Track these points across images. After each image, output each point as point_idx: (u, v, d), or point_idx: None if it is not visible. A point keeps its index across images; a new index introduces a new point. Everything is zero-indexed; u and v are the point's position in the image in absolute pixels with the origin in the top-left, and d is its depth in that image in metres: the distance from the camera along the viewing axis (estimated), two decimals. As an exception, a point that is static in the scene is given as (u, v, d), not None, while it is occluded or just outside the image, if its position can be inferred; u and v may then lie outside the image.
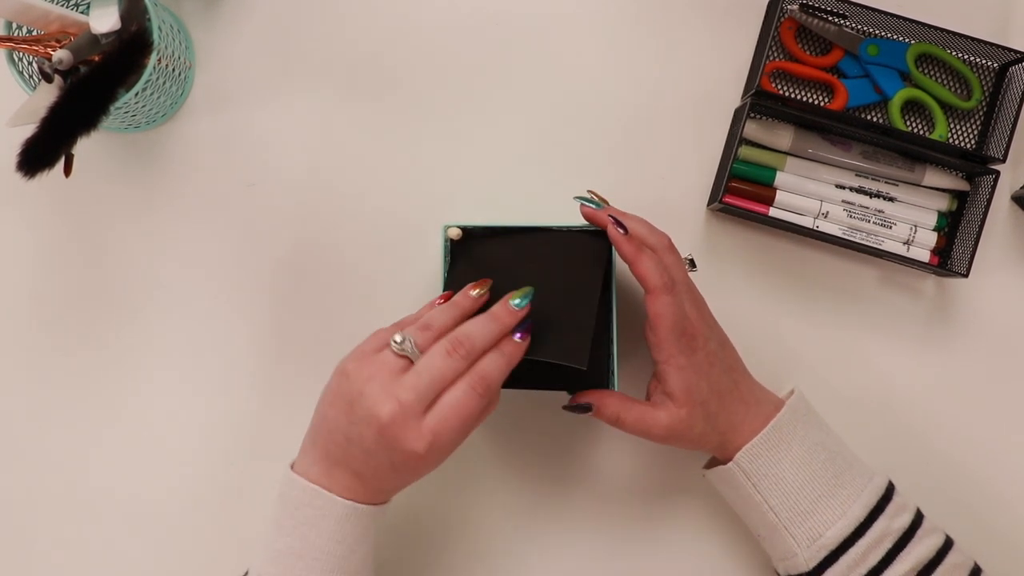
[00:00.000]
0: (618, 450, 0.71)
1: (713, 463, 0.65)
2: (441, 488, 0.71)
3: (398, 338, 0.55)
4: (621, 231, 0.60)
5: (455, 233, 0.66)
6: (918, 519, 0.61)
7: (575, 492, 0.71)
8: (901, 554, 0.60)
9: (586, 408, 0.61)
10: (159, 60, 0.65)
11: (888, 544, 0.60)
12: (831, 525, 0.60)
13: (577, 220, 0.64)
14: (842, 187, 0.71)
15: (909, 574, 0.59)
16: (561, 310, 0.61)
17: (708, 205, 0.72)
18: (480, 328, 0.56)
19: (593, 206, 0.63)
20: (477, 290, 0.59)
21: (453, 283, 0.63)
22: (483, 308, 0.59)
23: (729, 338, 0.64)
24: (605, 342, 0.65)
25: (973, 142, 0.73)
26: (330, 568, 0.57)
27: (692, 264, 0.64)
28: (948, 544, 0.61)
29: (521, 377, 0.60)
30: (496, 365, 0.56)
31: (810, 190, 0.71)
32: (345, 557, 0.57)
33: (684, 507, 0.71)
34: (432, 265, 0.72)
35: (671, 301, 0.59)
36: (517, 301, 0.58)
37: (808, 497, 0.60)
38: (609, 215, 0.61)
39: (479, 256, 0.64)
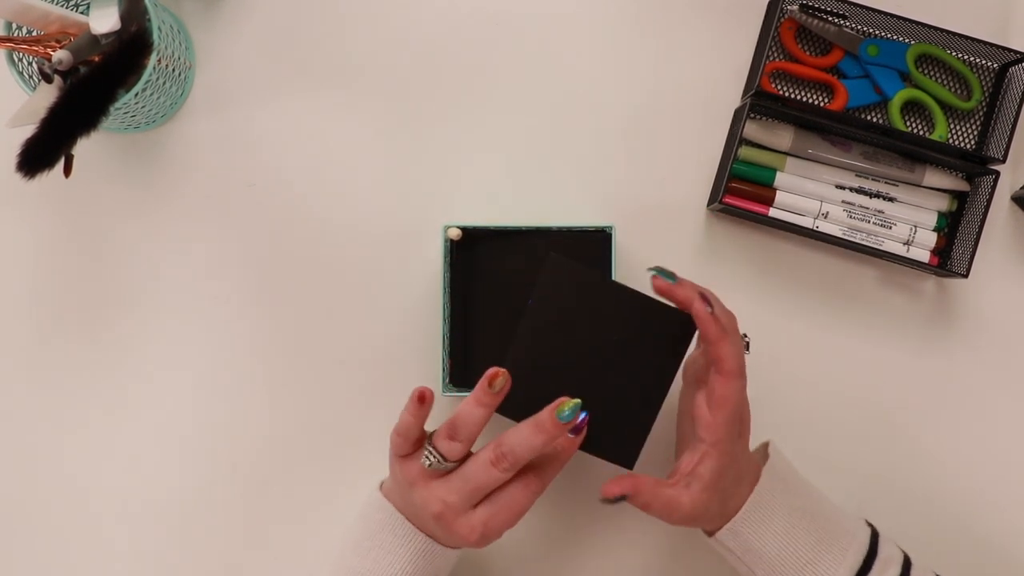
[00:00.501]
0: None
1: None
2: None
3: (425, 462, 0.57)
4: (709, 309, 0.58)
5: (455, 234, 0.65)
6: (906, 570, 0.61)
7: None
8: None
9: (622, 499, 0.59)
10: (159, 60, 0.65)
11: None
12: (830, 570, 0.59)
13: (580, 220, 0.64)
14: (842, 187, 0.71)
15: None
16: (623, 396, 0.60)
17: (708, 205, 0.72)
18: (524, 441, 0.56)
19: (667, 279, 0.59)
20: (499, 380, 0.57)
21: (531, 320, 0.60)
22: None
23: None
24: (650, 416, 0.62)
25: (973, 142, 0.73)
26: None
27: (747, 346, 0.61)
28: None
29: None
30: (552, 468, 0.59)
31: (810, 190, 0.71)
32: None
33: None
34: (432, 266, 0.72)
35: (742, 387, 0.59)
36: (566, 414, 0.57)
37: (794, 566, 0.60)
38: (698, 292, 0.58)
39: (563, 295, 0.60)
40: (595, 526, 0.72)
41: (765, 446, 0.65)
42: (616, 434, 0.60)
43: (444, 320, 0.67)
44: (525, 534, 0.71)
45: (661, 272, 0.60)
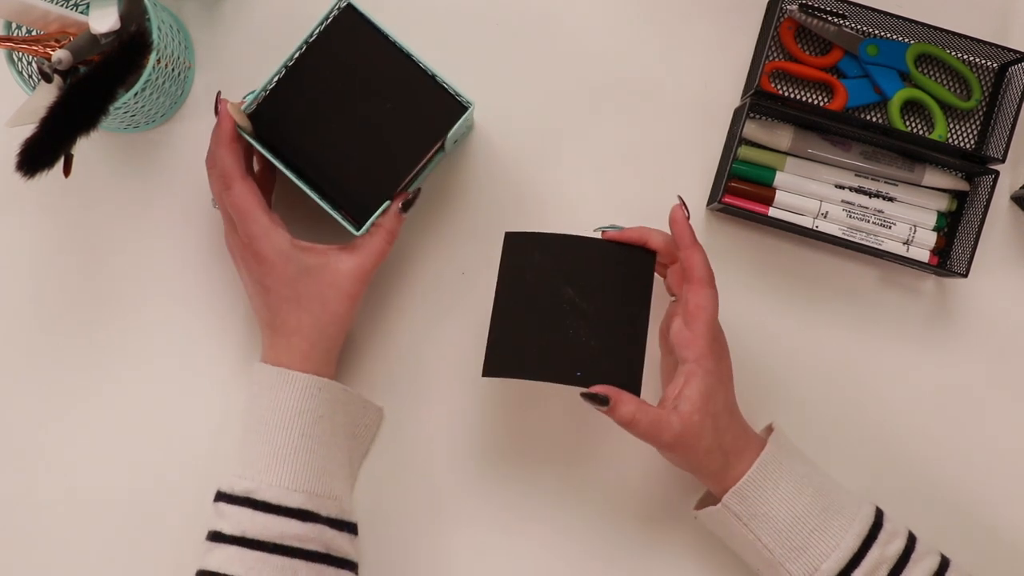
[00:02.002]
0: (619, 461, 0.71)
1: (702, 503, 0.65)
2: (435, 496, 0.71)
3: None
4: (686, 214, 0.62)
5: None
6: (911, 543, 0.61)
7: (573, 500, 0.71)
8: None
9: (603, 401, 0.59)
10: (159, 60, 0.65)
11: (884, 571, 0.60)
12: (826, 558, 0.59)
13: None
14: (842, 187, 0.71)
15: None
16: (611, 334, 0.63)
17: (708, 205, 0.72)
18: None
19: (615, 230, 0.64)
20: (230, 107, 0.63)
21: (504, 289, 0.65)
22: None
23: None
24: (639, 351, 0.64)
25: (973, 142, 0.73)
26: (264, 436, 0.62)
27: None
28: (945, 564, 0.61)
29: (547, 366, 0.63)
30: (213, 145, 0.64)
31: (810, 190, 0.71)
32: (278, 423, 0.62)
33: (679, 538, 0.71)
34: (427, 255, 0.72)
35: (714, 295, 0.60)
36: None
37: (801, 532, 0.60)
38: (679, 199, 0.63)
39: (528, 263, 0.65)
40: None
41: (768, 427, 0.65)
42: (615, 365, 0.62)
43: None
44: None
45: (609, 228, 0.64)
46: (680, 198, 0.63)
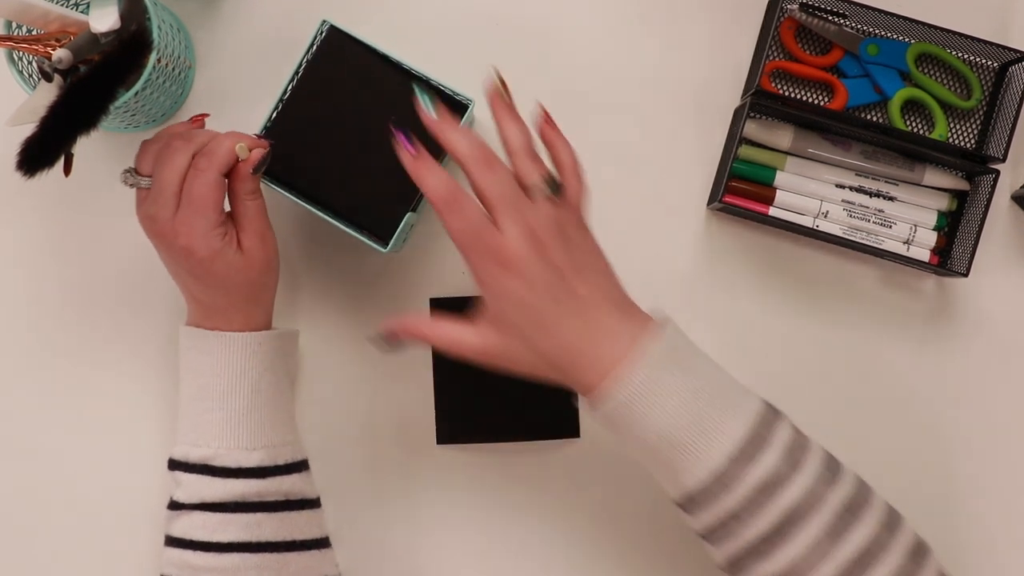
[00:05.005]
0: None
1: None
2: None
3: (123, 179, 0.63)
4: (412, 151, 0.57)
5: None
6: (792, 456, 0.55)
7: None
8: (766, 501, 0.54)
9: (398, 344, 0.59)
10: (159, 60, 0.65)
11: (752, 493, 0.54)
12: (691, 474, 0.55)
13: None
14: (842, 187, 0.71)
15: (773, 523, 0.54)
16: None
17: (708, 205, 0.72)
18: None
19: (426, 107, 0.58)
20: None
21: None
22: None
23: (599, 263, 0.58)
24: None
25: (973, 142, 0.73)
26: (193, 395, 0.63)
27: (554, 188, 0.57)
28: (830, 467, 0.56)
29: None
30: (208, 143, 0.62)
31: (810, 190, 0.71)
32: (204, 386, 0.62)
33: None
34: (427, 254, 0.72)
35: (453, 222, 0.56)
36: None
37: (668, 448, 0.55)
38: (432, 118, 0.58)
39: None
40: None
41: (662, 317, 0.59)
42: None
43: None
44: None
45: (423, 99, 0.58)
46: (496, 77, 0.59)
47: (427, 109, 0.58)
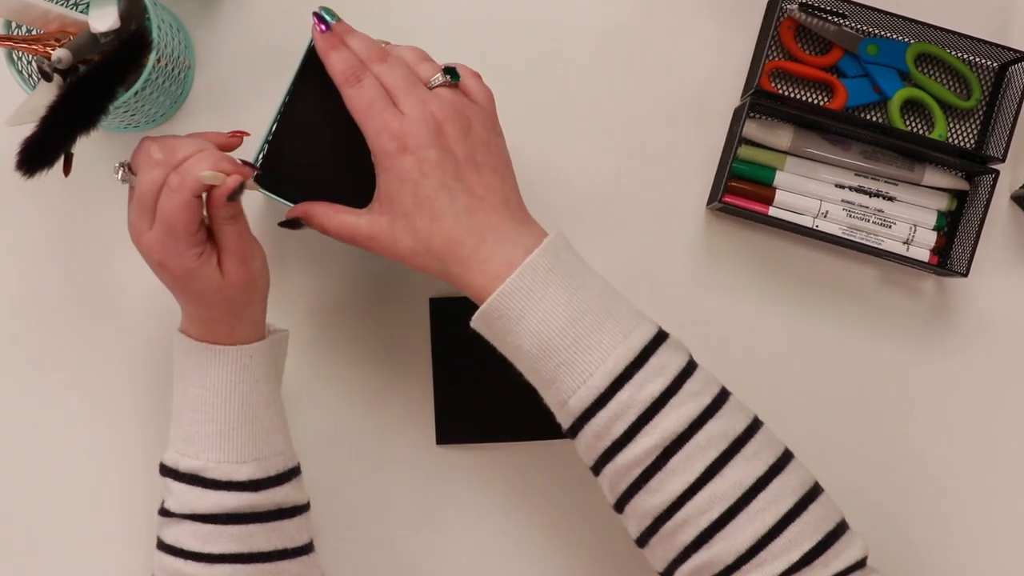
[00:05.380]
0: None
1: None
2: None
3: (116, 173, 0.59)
4: (323, 28, 0.59)
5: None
6: (678, 382, 0.54)
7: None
8: (646, 427, 0.53)
9: (296, 224, 0.61)
10: (158, 60, 0.65)
11: (632, 416, 0.53)
12: (572, 393, 0.54)
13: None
14: (841, 186, 0.71)
15: (652, 451, 0.53)
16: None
17: (708, 205, 0.72)
18: (182, 145, 0.58)
19: (327, 18, 0.60)
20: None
21: (439, 356, 0.68)
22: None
23: (502, 166, 0.59)
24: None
25: (972, 142, 0.73)
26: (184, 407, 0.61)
27: (452, 74, 0.59)
28: (713, 407, 0.54)
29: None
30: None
31: (810, 189, 0.71)
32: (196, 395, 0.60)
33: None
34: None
35: (352, 95, 0.57)
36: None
37: (547, 365, 0.55)
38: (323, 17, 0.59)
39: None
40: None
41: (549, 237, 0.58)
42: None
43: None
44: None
45: (324, 15, 0.59)
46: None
47: (328, 18, 0.60)
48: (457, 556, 0.71)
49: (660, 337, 0.56)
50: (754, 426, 0.56)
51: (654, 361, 0.54)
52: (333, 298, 0.72)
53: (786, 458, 0.56)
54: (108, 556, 0.71)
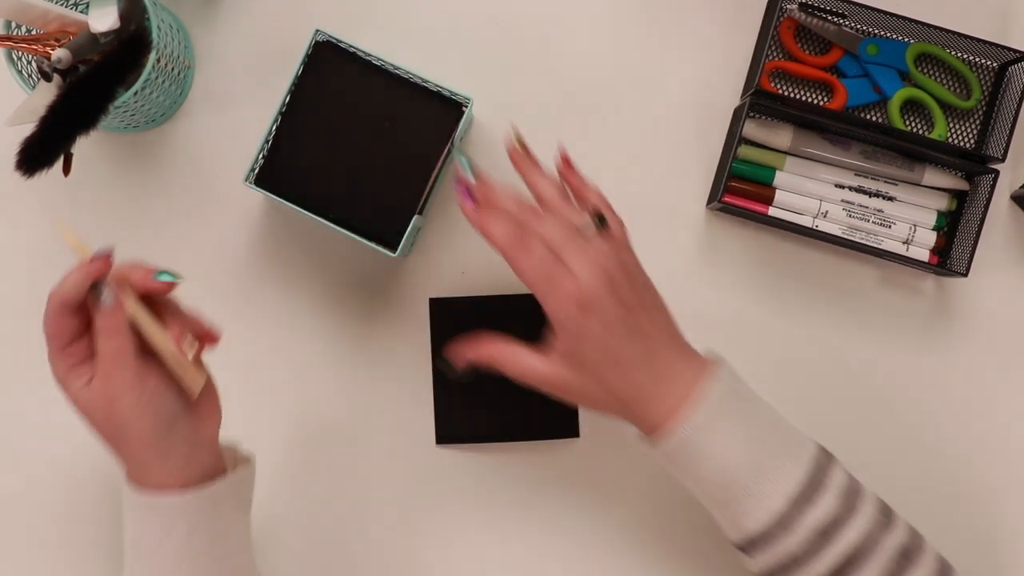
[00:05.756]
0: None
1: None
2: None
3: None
4: (471, 203, 0.59)
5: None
6: (850, 500, 0.57)
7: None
8: (827, 545, 0.56)
9: (471, 369, 0.60)
10: (158, 60, 0.65)
11: (812, 536, 0.55)
12: (750, 516, 0.56)
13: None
14: (841, 186, 0.71)
15: (834, 566, 0.55)
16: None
17: (707, 204, 0.72)
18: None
19: (465, 171, 0.60)
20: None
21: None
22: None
23: (660, 301, 0.60)
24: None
25: (972, 142, 0.73)
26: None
27: (601, 220, 0.58)
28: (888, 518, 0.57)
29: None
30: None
31: (809, 189, 0.71)
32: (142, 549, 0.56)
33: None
34: (427, 253, 0.72)
35: (515, 260, 0.57)
36: (165, 277, 0.57)
37: (731, 490, 0.56)
38: (462, 180, 0.60)
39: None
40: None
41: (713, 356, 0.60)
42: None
43: None
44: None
45: (462, 162, 0.60)
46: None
47: (466, 173, 0.60)
48: (456, 556, 0.71)
49: (823, 455, 0.59)
50: (916, 535, 0.59)
51: (824, 480, 0.57)
52: (333, 297, 0.72)
53: (946, 566, 0.59)
54: (108, 555, 0.71)
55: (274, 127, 0.65)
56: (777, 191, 0.71)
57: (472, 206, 0.59)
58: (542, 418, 0.70)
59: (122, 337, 0.54)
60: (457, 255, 0.72)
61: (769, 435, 0.58)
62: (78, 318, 0.55)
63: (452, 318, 0.69)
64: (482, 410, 0.70)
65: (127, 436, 0.55)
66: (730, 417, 0.57)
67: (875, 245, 0.70)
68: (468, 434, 0.70)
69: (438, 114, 0.65)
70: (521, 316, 0.66)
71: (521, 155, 0.61)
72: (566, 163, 0.62)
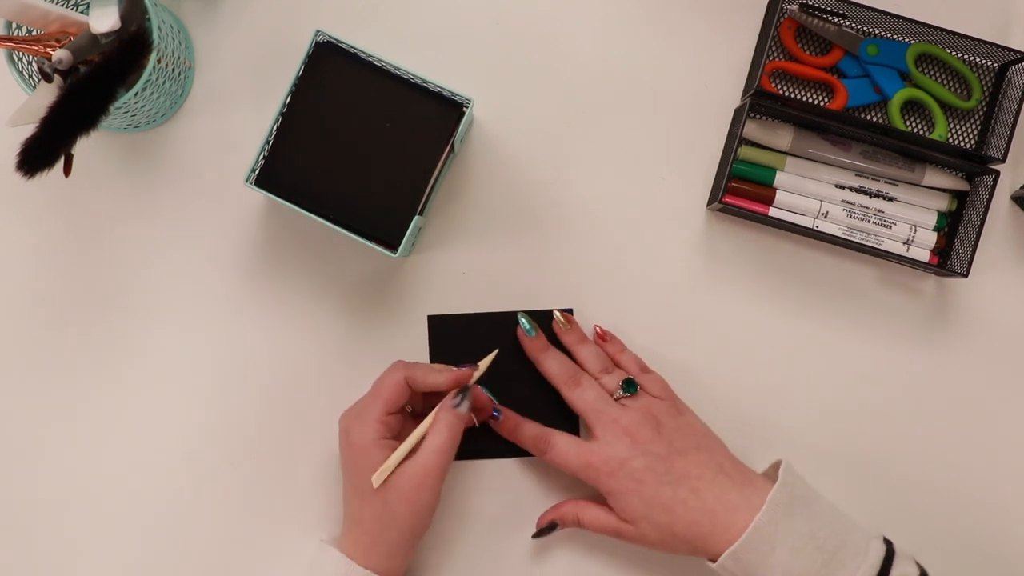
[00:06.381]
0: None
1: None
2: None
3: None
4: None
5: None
6: None
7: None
8: None
9: (552, 527, 0.68)
10: (159, 60, 0.65)
11: None
12: None
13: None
14: (842, 187, 0.71)
15: None
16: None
17: (708, 205, 0.72)
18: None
19: (527, 332, 0.69)
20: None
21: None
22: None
23: (703, 440, 0.65)
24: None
25: (973, 142, 0.73)
26: None
27: (629, 386, 0.66)
28: None
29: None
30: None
31: (810, 190, 0.71)
32: None
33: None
34: (427, 254, 0.72)
35: (575, 397, 0.67)
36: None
37: None
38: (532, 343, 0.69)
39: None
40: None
41: (776, 466, 0.65)
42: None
43: None
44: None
45: (524, 322, 0.69)
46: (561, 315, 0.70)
47: (528, 333, 0.69)
48: (456, 556, 0.71)
49: (890, 548, 0.62)
50: None
51: (895, 571, 0.60)
52: (333, 298, 0.72)
53: None
54: (108, 555, 0.72)
55: (274, 127, 0.65)
56: (777, 191, 0.71)
57: (530, 338, 0.69)
58: (543, 421, 0.70)
59: (456, 440, 0.64)
60: (457, 255, 0.72)
61: (834, 543, 0.61)
62: (407, 398, 0.65)
63: (450, 333, 0.69)
64: (477, 427, 0.69)
65: (395, 520, 0.62)
66: (789, 536, 0.60)
67: (875, 245, 0.70)
68: (464, 451, 0.67)
69: (439, 115, 0.65)
70: (515, 331, 0.70)
71: (566, 330, 0.69)
72: (601, 337, 0.70)
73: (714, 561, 0.62)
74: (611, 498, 0.64)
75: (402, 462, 0.62)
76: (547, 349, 0.69)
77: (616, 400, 0.66)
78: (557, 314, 0.70)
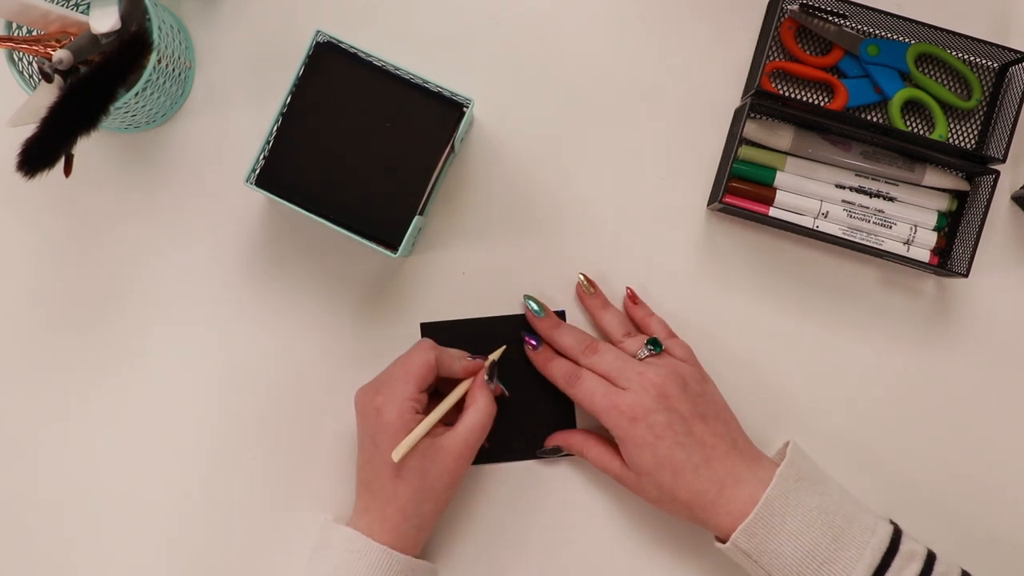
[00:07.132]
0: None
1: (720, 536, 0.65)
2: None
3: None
4: (533, 344, 0.69)
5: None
6: (929, 565, 0.61)
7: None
8: None
9: (557, 451, 0.69)
10: (159, 60, 0.65)
11: None
12: None
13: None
14: (842, 187, 0.71)
15: None
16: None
17: (708, 205, 0.72)
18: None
19: (536, 312, 0.69)
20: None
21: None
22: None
23: (722, 411, 0.65)
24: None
25: (973, 142, 0.73)
26: None
27: (655, 345, 0.67)
28: None
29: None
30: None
31: (810, 190, 0.71)
32: None
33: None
34: (427, 255, 0.72)
35: (575, 395, 0.66)
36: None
37: (810, 566, 0.60)
38: (528, 337, 0.69)
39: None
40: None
41: (785, 446, 0.66)
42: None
43: None
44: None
45: (535, 307, 0.69)
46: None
47: (537, 314, 0.69)
48: (455, 557, 0.71)
49: (897, 528, 0.62)
50: None
51: (903, 548, 0.61)
52: (333, 298, 0.72)
53: None
54: (109, 555, 0.72)
55: (275, 127, 0.65)
56: (778, 192, 0.71)
57: (534, 345, 0.69)
58: (532, 440, 0.70)
59: (493, 415, 0.66)
60: (457, 256, 0.72)
61: (839, 526, 0.61)
62: (436, 378, 0.66)
63: (443, 342, 0.69)
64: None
65: (432, 493, 0.63)
66: (794, 516, 0.60)
67: (876, 246, 0.70)
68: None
69: (439, 115, 0.65)
70: (508, 336, 0.70)
71: (588, 294, 0.70)
72: (631, 299, 0.70)
73: (722, 541, 0.62)
74: (624, 445, 0.64)
75: (424, 437, 0.63)
76: (559, 326, 0.69)
77: (640, 360, 0.66)
78: (581, 277, 0.70)
